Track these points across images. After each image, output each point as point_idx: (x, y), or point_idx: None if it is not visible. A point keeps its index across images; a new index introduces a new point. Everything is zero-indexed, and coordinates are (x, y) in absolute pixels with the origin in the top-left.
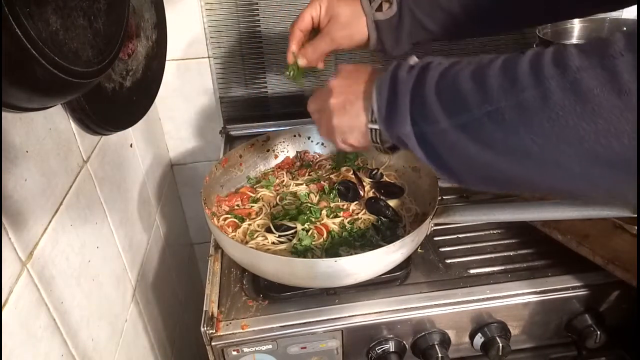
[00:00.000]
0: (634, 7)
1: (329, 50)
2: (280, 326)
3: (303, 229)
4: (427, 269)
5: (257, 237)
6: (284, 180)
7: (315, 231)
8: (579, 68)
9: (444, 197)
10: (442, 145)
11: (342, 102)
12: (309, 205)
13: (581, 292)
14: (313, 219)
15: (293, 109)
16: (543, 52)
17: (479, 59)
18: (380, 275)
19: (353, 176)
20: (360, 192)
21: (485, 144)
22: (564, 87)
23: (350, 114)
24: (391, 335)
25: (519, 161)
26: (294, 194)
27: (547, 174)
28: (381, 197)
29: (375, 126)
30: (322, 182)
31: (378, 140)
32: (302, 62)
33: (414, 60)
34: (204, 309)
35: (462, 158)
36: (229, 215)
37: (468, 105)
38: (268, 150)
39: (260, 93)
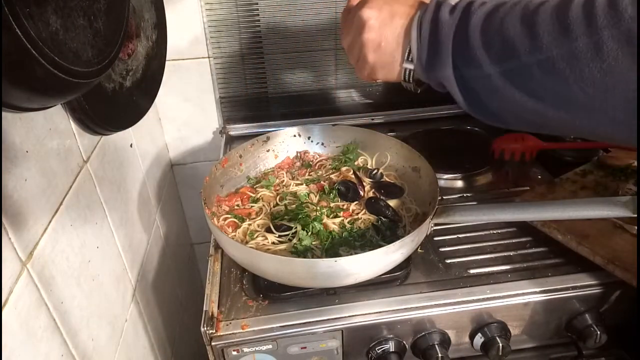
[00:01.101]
0: None
1: None
2: (280, 326)
3: (303, 229)
4: (427, 269)
5: (257, 237)
6: (284, 180)
7: (322, 227)
8: (632, 17)
9: (444, 197)
10: (484, 89)
11: (377, 39)
12: (310, 204)
13: (581, 292)
14: (316, 224)
15: (293, 109)
16: None
17: (526, 0)
18: (380, 275)
19: (353, 176)
20: (360, 192)
21: (532, 91)
22: (618, 37)
23: (386, 52)
24: (391, 335)
25: (566, 109)
26: (294, 194)
27: (593, 120)
28: (381, 197)
29: (410, 66)
30: (322, 182)
31: (410, 79)
32: None
33: None
34: (204, 309)
35: (505, 103)
36: (229, 215)
37: (516, 52)
38: (268, 150)
39: (260, 93)
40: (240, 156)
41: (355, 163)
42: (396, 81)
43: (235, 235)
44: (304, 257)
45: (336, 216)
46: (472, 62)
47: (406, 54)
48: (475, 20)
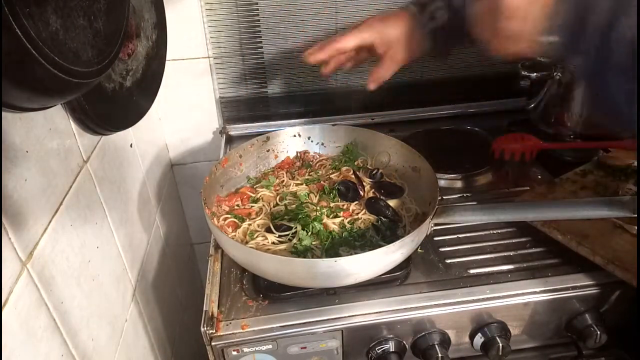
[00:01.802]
0: None
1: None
2: (280, 326)
3: (303, 229)
4: (427, 269)
5: (257, 237)
6: (284, 180)
7: (322, 227)
8: None
9: (444, 197)
10: (618, 91)
11: (519, 5)
12: (310, 204)
13: (581, 292)
14: (316, 224)
15: (293, 109)
16: None
17: None
18: (380, 275)
19: (353, 176)
20: (360, 192)
21: None
22: None
23: (525, 21)
24: (391, 335)
25: None
26: (294, 194)
27: None
28: (381, 197)
29: (552, 39)
30: (322, 182)
31: (548, 54)
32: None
33: None
34: (204, 309)
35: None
36: (229, 215)
37: None
38: (268, 150)
39: (260, 93)
40: (240, 156)
41: (355, 163)
42: (532, 55)
43: (235, 235)
44: (304, 257)
45: (336, 216)
46: (612, 63)
47: (549, 26)
48: (631, 21)
